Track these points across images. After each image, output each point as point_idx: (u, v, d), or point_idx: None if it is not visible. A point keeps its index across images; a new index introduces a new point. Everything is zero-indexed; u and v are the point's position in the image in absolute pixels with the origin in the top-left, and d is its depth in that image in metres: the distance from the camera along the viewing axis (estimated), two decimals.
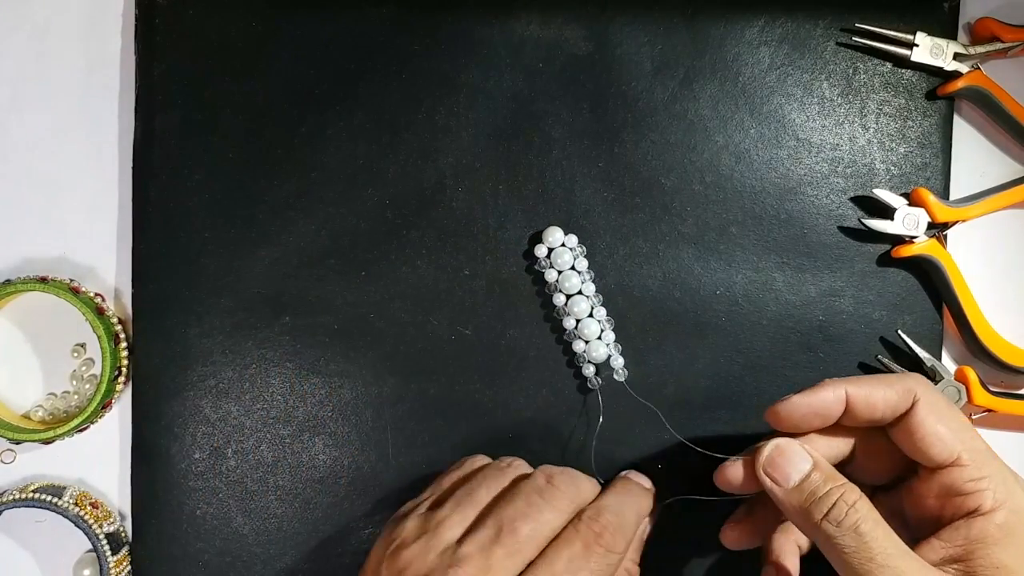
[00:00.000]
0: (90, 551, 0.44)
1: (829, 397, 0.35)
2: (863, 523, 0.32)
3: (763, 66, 0.44)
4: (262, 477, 0.44)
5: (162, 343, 0.44)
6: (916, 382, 0.35)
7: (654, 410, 0.43)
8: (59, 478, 0.45)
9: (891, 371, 0.43)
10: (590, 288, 0.43)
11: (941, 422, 0.34)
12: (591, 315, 0.43)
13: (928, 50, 0.44)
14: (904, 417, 0.35)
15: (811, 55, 0.44)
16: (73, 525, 0.42)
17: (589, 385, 0.43)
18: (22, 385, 0.46)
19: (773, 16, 0.44)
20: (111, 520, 0.44)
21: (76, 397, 0.45)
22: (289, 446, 0.44)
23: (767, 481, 0.35)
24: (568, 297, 0.43)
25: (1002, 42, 0.44)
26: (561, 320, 0.44)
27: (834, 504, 0.32)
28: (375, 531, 0.44)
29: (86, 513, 0.42)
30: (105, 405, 0.44)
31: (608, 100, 0.44)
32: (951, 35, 0.44)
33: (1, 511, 0.42)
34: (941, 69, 0.44)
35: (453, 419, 0.44)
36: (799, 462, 0.34)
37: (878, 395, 0.35)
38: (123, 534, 0.44)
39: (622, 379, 0.43)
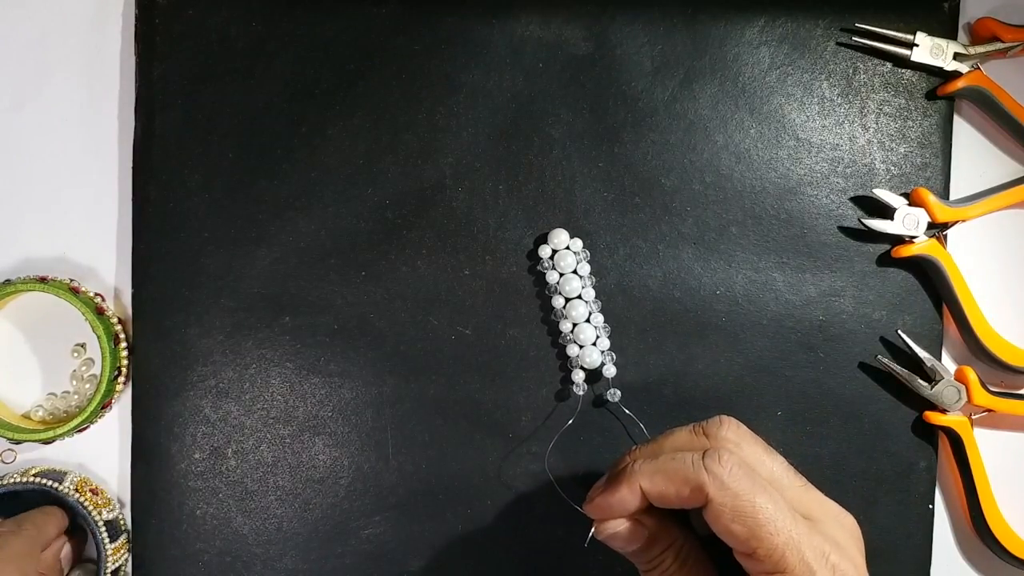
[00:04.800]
0: (86, 563, 0.44)
1: (625, 495, 0.36)
2: None
3: (763, 66, 0.44)
4: (262, 477, 0.44)
5: (162, 343, 0.44)
6: (712, 478, 0.33)
7: (642, 428, 0.43)
8: None
9: (892, 371, 0.43)
10: (590, 293, 0.43)
11: (735, 520, 0.33)
12: (588, 320, 0.43)
13: (928, 50, 0.44)
14: (705, 509, 0.34)
15: (811, 55, 0.44)
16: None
17: (575, 390, 0.43)
18: (22, 385, 0.46)
19: (773, 16, 0.44)
20: (111, 507, 0.44)
21: (76, 397, 0.45)
22: (289, 446, 0.44)
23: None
24: (567, 300, 0.43)
25: (1002, 42, 0.44)
26: (559, 323, 0.44)
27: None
28: (375, 531, 0.44)
29: (86, 499, 0.42)
30: (105, 405, 0.44)
31: (608, 100, 0.44)
32: (951, 35, 0.44)
33: (2, 494, 0.42)
34: (941, 69, 0.44)
35: (453, 419, 0.44)
36: (631, 538, 0.37)
37: (670, 493, 0.35)
38: (122, 522, 0.44)
39: (615, 400, 0.43)
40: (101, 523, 0.42)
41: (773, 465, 0.35)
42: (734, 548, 0.33)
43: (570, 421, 0.43)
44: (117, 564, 0.43)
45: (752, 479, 0.34)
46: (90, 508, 0.42)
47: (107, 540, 0.42)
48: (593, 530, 0.37)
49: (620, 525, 0.36)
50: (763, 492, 0.33)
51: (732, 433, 0.36)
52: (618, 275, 0.44)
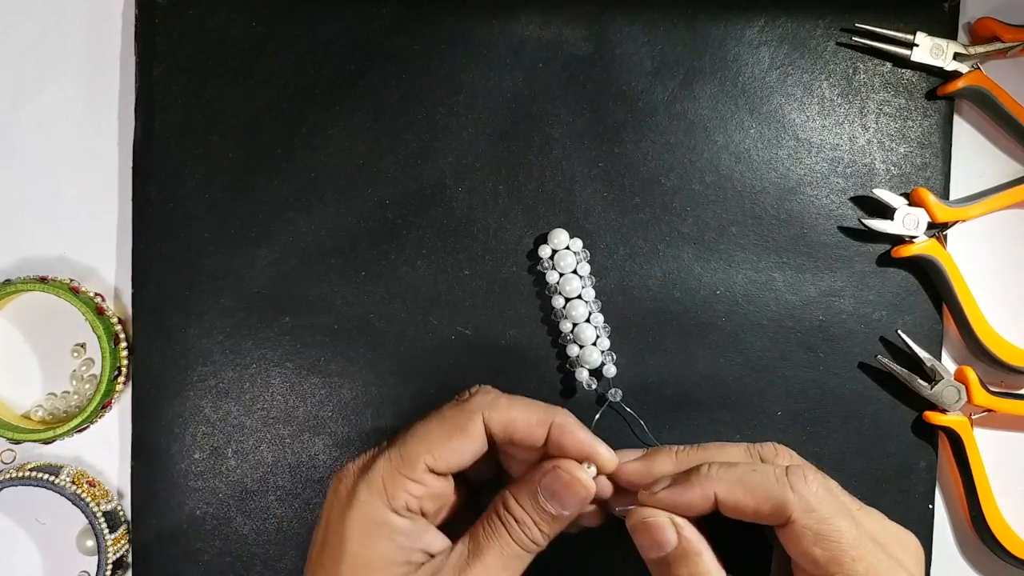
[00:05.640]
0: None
1: (695, 498, 0.33)
2: None
3: (763, 66, 0.44)
4: (262, 477, 0.44)
5: (162, 343, 0.44)
6: (798, 497, 0.32)
7: (642, 425, 0.43)
8: None
9: (892, 371, 0.43)
10: (590, 293, 0.43)
11: (818, 544, 0.31)
12: (588, 320, 0.43)
13: (928, 50, 0.44)
14: (782, 527, 0.32)
15: (811, 55, 0.44)
16: (71, 503, 0.42)
17: (586, 386, 0.43)
18: (22, 385, 0.46)
19: (773, 16, 0.44)
20: (109, 498, 0.44)
21: (76, 397, 0.45)
22: (289, 446, 0.44)
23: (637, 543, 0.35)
24: (567, 300, 0.43)
25: (1002, 42, 0.44)
26: (559, 323, 0.44)
27: None
28: None
29: (83, 491, 0.42)
30: (105, 405, 0.44)
31: (608, 100, 0.44)
32: (951, 35, 0.44)
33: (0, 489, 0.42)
34: (941, 69, 0.44)
35: None
36: (663, 538, 0.34)
37: (748, 507, 0.33)
38: (121, 513, 0.44)
39: (617, 399, 0.43)
40: (100, 514, 0.42)
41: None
42: (808, 571, 0.32)
43: (596, 418, 0.43)
44: (118, 554, 0.43)
45: (835, 502, 0.32)
46: (88, 500, 0.42)
47: (107, 531, 0.42)
48: (633, 521, 0.34)
49: (659, 516, 0.34)
50: (846, 516, 0.32)
51: (787, 461, 0.34)
52: (618, 275, 0.44)
